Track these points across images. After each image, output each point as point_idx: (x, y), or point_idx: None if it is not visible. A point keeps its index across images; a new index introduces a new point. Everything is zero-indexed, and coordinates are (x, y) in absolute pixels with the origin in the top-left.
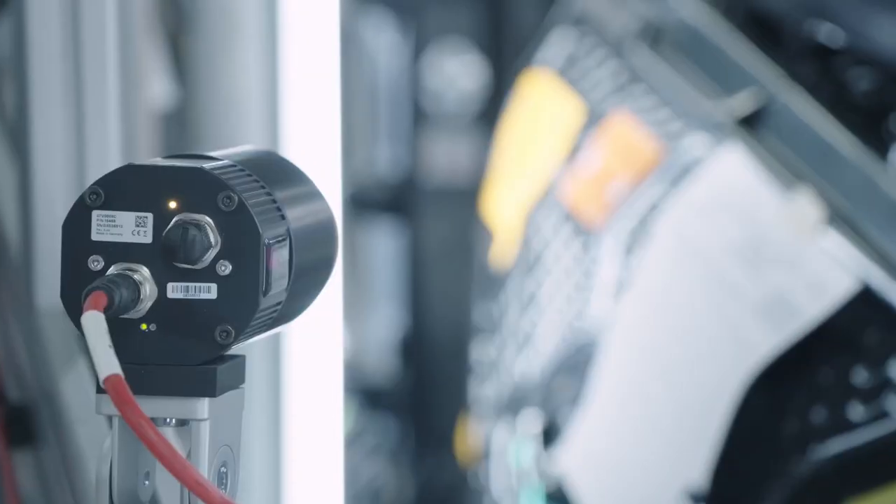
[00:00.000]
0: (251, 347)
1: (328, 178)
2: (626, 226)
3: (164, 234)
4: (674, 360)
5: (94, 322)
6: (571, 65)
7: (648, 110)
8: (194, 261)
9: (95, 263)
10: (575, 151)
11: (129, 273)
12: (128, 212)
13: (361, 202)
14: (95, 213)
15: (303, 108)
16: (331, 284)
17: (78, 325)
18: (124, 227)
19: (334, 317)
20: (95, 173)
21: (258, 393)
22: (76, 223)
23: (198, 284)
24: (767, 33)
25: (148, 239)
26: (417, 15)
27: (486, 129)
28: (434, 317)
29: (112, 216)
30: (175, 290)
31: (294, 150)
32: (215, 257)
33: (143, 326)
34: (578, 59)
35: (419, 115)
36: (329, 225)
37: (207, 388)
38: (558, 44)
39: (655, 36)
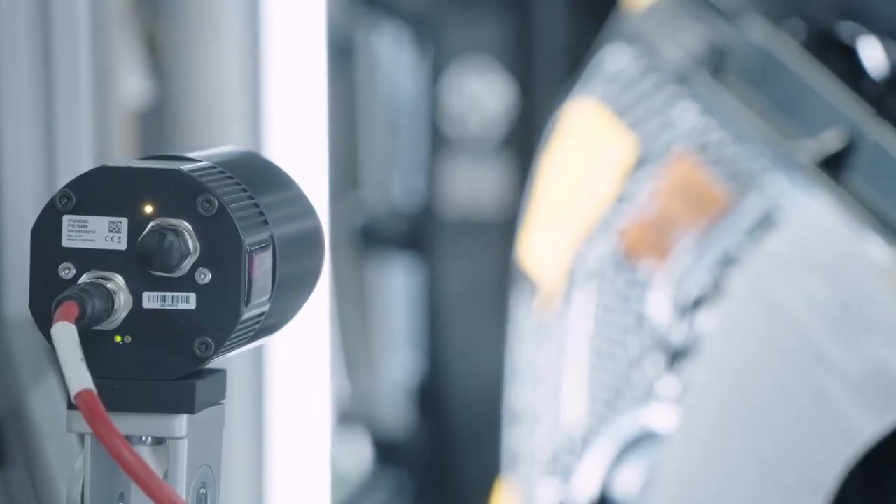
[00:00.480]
0: (232, 361)
1: (314, 182)
2: (693, 279)
3: (139, 240)
4: (758, 441)
5: (65, 334)
6: (622, 92)
7: (715, 148)
8: (172, 269)
9: (66, 271)
10: (628, 192)
11: (103, 282)
12: (101, 216)
13: (374, 235)
14: (66, 218)
15: (288, 106)
16: (317, 294)
17: (48, 336)
18: (97, 232)
19: (321, 328)
20: (66, 175)
21: (240, 409)
22: (46, 228)
23: (175, 294)
24: (851, 61)
25: (122, 245)
26: (437, 30)
27: (512, 156)
28: (455, 362)
29: (84, 221)
30: (151, 300)
31: (278, 151)
32: (194, 265)
33: (118, 338)
34: (631, 87)
35: (438, 140)
36: (315, 231)
37: (185, 405)
38: (607, 68)
39: (721, 62)
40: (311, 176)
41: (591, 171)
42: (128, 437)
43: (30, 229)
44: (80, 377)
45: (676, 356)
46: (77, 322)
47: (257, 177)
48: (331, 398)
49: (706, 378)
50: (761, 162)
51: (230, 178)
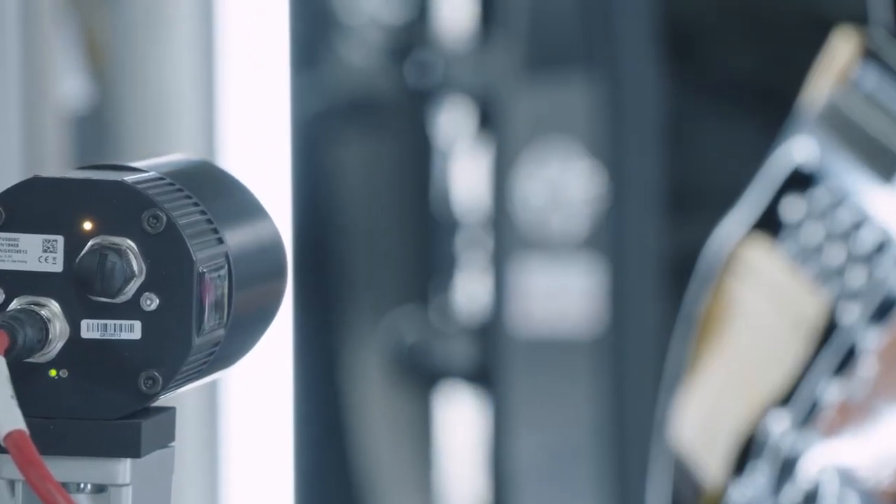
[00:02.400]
0: (183, 398)
1: (275, 195)
2: None
3: (77, 261)
4: None
5: None
6: (808, 230)
7: None
8: (114, 293)
9: None
10: (824, 361)
11: (36, 308)
12: (33, 234)
13: (425, 358)
14: None
15: (245, 110)
16: (278, 322)
17: None
18: (29, 252)
19: (283, 357)
20: None
21: (192, 453)
22: None
23: (118, 322)
24: None
25: (58, 267)
26: (507, 104)
27: (602, 258)
28: None
29: (14, 240)
30: (91, 329)
31: (234, 160)
32: (139, 289)
33: (53, 373)
34: (822, 222)
35: (509, 239)
36: (276, 249)
37: (130, 447)
38: (787, 191)
39: None
40: (272, 187)
41: (771, 329)
42: (64, 485)
43: None
44: (9, 416)
45: None
46: (6, 354)
47: (211, 189)
48: None
49: None
50: None
51: (179, 190)
